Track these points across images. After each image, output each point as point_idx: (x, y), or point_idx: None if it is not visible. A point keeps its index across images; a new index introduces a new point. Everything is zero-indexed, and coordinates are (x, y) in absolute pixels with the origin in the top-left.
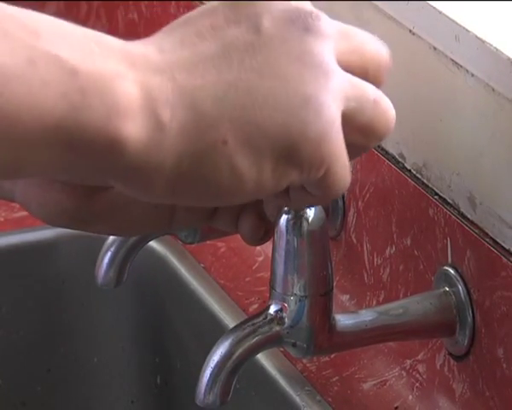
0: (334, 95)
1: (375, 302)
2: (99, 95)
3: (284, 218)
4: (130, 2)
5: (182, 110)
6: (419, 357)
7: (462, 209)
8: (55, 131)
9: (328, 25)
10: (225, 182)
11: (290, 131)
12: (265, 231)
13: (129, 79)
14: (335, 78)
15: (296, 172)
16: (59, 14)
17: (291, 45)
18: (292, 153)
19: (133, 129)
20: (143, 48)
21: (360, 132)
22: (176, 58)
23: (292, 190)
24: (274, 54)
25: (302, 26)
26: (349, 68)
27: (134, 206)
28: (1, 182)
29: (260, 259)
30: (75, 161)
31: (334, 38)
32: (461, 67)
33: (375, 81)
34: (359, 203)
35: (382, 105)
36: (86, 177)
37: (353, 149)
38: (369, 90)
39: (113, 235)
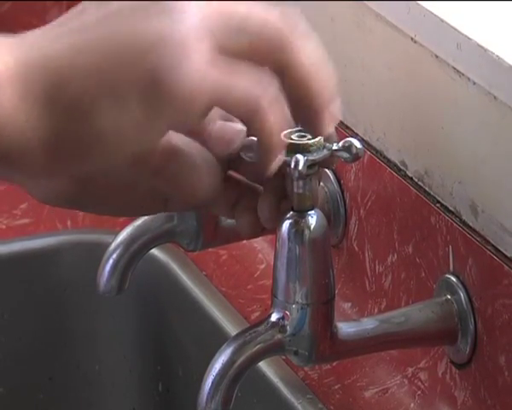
0: (185, 32)
1: (376, 310)
2: None
3: (286, 225)
4: None
5: (45, 78)
6: (421, 365)
7: (463, 217)
8: None
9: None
10: (101, 135)
11: (144, 71)
12: (263, 227)
13: (1, 50)
14: (188, 18)
15: (169, 109)
16: None
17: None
18: (154, 89)
19: (4, 97)
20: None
21: (263, 52)
22: (39, 36)
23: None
24: (120, 18)
25: None
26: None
27: (130, 189)
28: None
29: (262, 266)
30: None
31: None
32: (463, 75)
33: None
34: (361, 211)
35: (257, 13)
36: None
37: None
38: (239, 10)
39: (109, 215)
